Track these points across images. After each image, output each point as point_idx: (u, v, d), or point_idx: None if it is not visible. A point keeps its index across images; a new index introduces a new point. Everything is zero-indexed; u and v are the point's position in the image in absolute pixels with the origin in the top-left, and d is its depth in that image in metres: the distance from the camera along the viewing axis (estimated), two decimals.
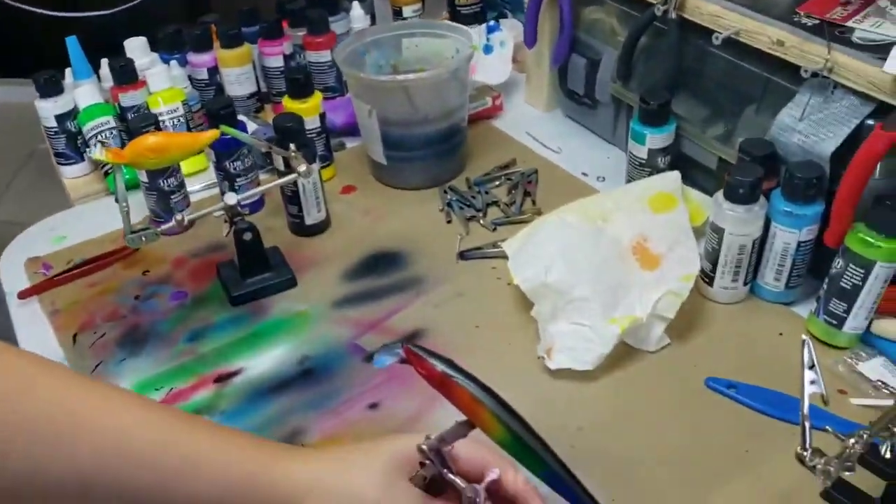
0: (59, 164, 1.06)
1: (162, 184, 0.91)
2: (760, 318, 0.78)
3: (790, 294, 0.78)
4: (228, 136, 0.85)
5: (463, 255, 0.89)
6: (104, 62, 1.08)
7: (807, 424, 0.61)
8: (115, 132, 1.01)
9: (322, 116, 0.99)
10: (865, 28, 0.73)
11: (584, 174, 1.01)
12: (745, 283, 0.79)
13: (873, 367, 0.71)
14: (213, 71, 1.11)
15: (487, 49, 1.16)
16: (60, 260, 0.91)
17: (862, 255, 0.68)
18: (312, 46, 1.13)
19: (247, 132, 0.96)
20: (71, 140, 1.04)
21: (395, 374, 0.74)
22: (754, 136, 0.79)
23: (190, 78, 1.11)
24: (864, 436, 0.57)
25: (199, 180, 1.03)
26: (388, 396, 0.73)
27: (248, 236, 0.83)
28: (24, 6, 1.34)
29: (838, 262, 0.71)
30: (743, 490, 0.63)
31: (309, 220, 0.92)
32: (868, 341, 0.74)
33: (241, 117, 1.00)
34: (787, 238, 0.74)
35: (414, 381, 0.72)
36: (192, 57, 1.11)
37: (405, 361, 0.50)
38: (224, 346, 0.79)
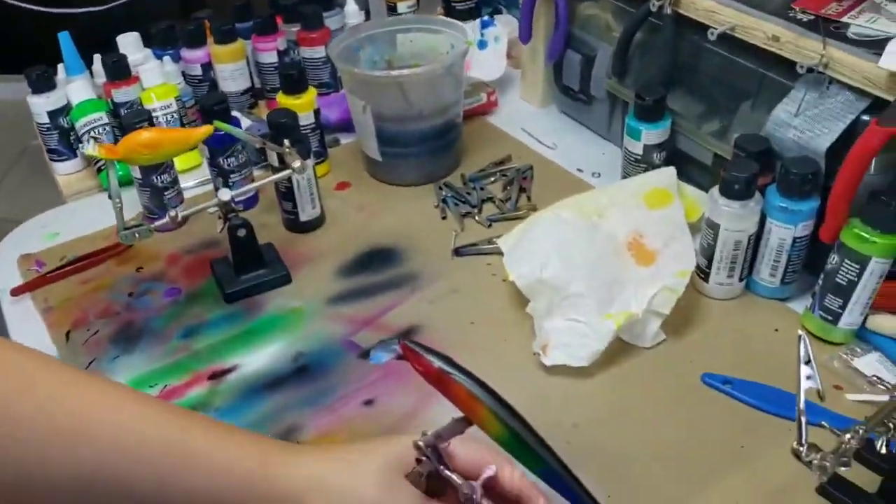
0: (51, 160, 1.06)
1: (155, 180, 0.91)
2: (756, 313, 0.78)
3: (786, 290, 0.78)
4: (222, 132, 0.85)
5: (458, 252, 0.88)
6: (97, 58, 1.07)
7: (803, 420, 0.61)
8: (108, 128, 1.00)
9: (316, 112, 0.98)
10: (861, 23, 0.73)
11: (580, 170, 1.01)
12: (741, 279, 0.79)
13: (868, 363, 0.72)
14: (207, 67, 1.11)
15: (482, 44, 1.16)
16: (53, 257, 0.91)
17: (857, 251, 0.68)
18: (306, 42, 1.12)
19: (241, 128, 0.95)
20: (63, 136, 1.04)
21: (390, 371, 0.74)
22: (750, 131, 0.79)
23: (183, 74, 1.10)
24: (860, 431, 0.57)
25: (193, 177, 1.03)
26: (384, 393, 0.72)
27: (242, 233, 0.83)
28: (16, 2, 1.33)
29: (833, 258, 0.71)
30: (739, 486, 0.63)
31: (303, 217, 0.92)
32: (863, 337, 0.74)
33: (234, 113, 0.99)
34: (782, 234, 0.74)
35: (409, 377, 0.71)
36: (186, 53, 1.10)
37: (402, 358, 0.50)
38: (218, 342, 0.79)
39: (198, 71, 1.10)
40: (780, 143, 0.76)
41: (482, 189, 0.98)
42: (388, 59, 1.03)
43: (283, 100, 0.96)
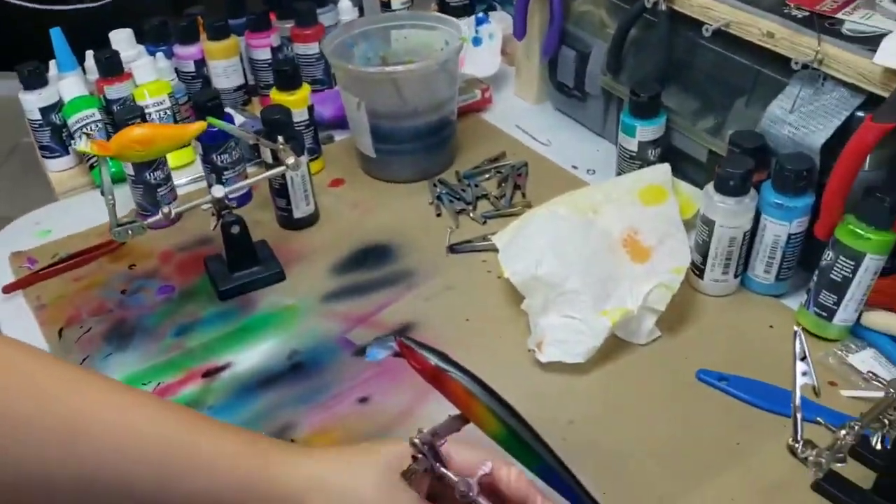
0: (43, 157, 1.05)
1: (148, 177, 0.90)
2: (751, 310, 0.78)
3: (780, 286, 0.79)
4: (215, 129, 0.84)
5: (453, 249, 0.88)
6: (89, 54, 1.06)
7: (798, 416, 0.61)
8: (100, 125, 1.00)
9: (310, 109, 0.98)
10: (855, 20, 0.73)
11: (574, 167, 1.01)
12: (736, 276, 0.79)
13: (863, 359, 0.72)
14: (200, 63, 1.10)
15: (476, 41, 1.16)
16: (46, 254, 0.90)
17: (852, 247, 0.68)
18: (300, 38, 1.12)
19: (234, 125, 0.95)
20: (56, 133, 1.03)
21: (385, 369, 0.74)
22: (745, 128, 0.79)
23: (176, 70, 1.10)
24: (856, 427, 0.57)
25: (186, 173, 1.02)
26: (379, 391, 0.72)
27: (235, 230, 0.83)
28: None
29: (828, 254, 0.71)
30: (734, 482, 0.63)
31: (297, 214, 0.91)
32: (858, 333, 0.74)
33: (228, 110, 0.99)
34: (777, 230, 0.74)
35: (404, 375, 0.71)
36: (179, 49, 1.09)
37: (398, 355, 0.50)
38: (212, 340, 0.79)
39: (191, 67, 1.10)
40: (775, 140, 0.76)
41: (477, 186, 0.97)
42: (383, 55, 1.03)
43: (276, 96, 0.96)
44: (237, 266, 0.84)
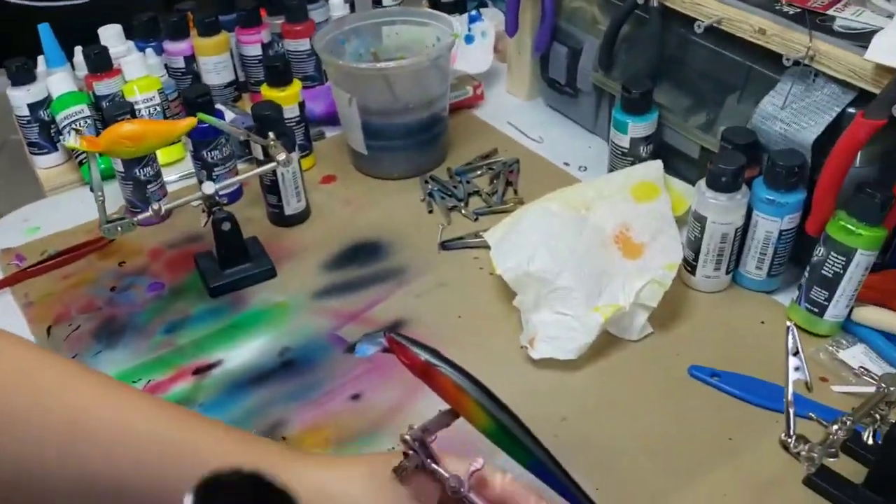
0: (31, 154, 1.04)
1: (138, 173, 0.90)
2: (742, 306, 0.78)
3: (772, 282, 0.79)
4: (206, 125, 0.84)
5: (445, 245, 0.88)
6: (78, 50, 1.06)
7: (791, 411, 0.61)
8: (89, 121, 0.99)
9: (301, 105, 0.97)
10: (846, 16, 0.73)
11: (566, 164, 1.01)
12: (728, 272, 0.79)
13: (854, 355, 0.72)
14: (190, 59, 1.09)
15: (469, 39, 1.15)
16: (34, 251, 0.89)
17: (843, 243, 0.68)
18: (291, 34, 1.11)
19: (224, 121, 0.94)
20: (44, 129, 1.02)
21: (376, 365, 0.74)
22: (736, 124, 0.79)
23: (166, 66, 1.09)
24: (847, 422, 0.57)
25: (176, 170, 1.01)
26: (370, 387, 0.72)
27: (226, 226, 0.82)
28: None
29: (819, 250, 0.71)
30: (726, 478, 0.63)
31: (288, 210, 0.91)
32: (849, 329, 0.74)
33: (218, 106, 0.98)
34: (768, 226, 0.74)
35: (395, 371, 0.71)
36: (169, 45, 1.09)
37: (388, 350, 0.49)
38: (202, 337, 0.78)
39: (181, 63, 1.09)
40: (767, 136, 0.76)
41: (468, 182, 0.97)
42: (374, 51, 1.03)
43: (267, 92, 0.95)
44: (228, 263, 0.84)
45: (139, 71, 1.00)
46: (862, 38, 0.69)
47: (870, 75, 0.67)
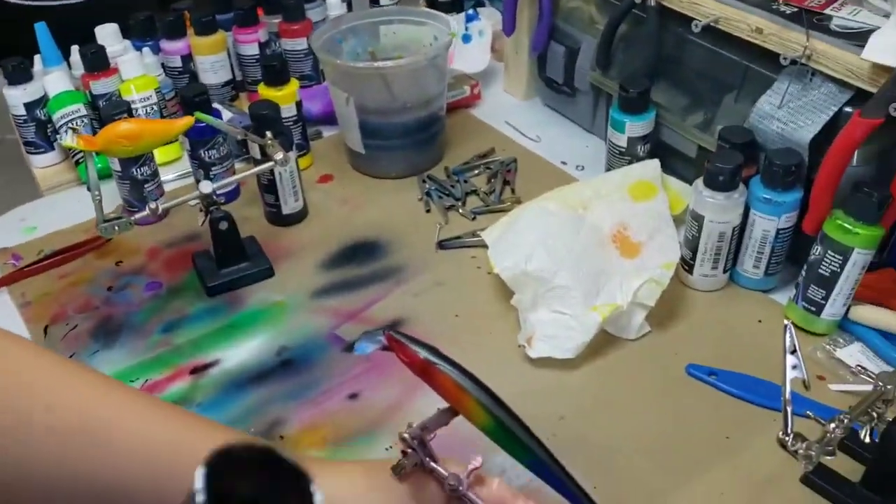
0: (28, 153, 1.04)
1: (135, 172, 0.89)
2: (740, 305, 0.78)
3: (769, 281, 0.79)
4: (203, 124, 0.84)
5: (442, 245, 0.88)
6: (74, 49, 1.05)
7: (789, 409, 0.61)
8: (86, 120, 0.99)
9: (298, 104, 0.97)
10: (843, 16, 0.73)
11: (564, 163, 1.01)
12: (725, 271, 0.79)
13: (851, 353, 0.72)
14: (187, 59, 1.09)
15: (466, 38, 1.15)
16: (31, 250, 0.89)
17: (840, 242, 0.68)
18: (288, 34, 1.11)
19: (222, 120, 0.94)
20: (41, 129, 1.02)
21: (374, 364, 0.74)
22: (733, 123, 0.79)
23: (163, 65, 1.09)
24: (845, 420, 0.58)
25: (173, 169, 1.01)
26: (368, 386, 0.72)
27: (224, 226, 0.82)
28: None
29: (817, 249, 0.71)
30: (724, 477, 0.63)
31: (286, 210, 0.91)
32: (846, 328, 0.74)
33: (215, 105, 0.98)
34: (766, 225, 0.74)
35: (394, 370, 0.71)
36: (165, 44, 1.09)
37: (387, 348, 0.49)
38: (200, 337, 0.78)
39: (178, 63, 1.09)
40: (764, 135, 0.76)
41: (466, 182, 0.97)
42: (371, 50, 1.03)
43: (264, 92, 0.95)
44: (225, 262, 0.84)
45: (136, 70, 1.00)
46: (859, 38, 0.69)
47: (867, 74, 0.67)
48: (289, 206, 0.91)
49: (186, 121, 0.80)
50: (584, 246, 0.76)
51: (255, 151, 0.86)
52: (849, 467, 0.62)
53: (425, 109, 0.97)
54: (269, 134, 0.83)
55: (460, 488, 0.49)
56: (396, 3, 1.22)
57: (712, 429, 0.67)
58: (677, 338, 0.75)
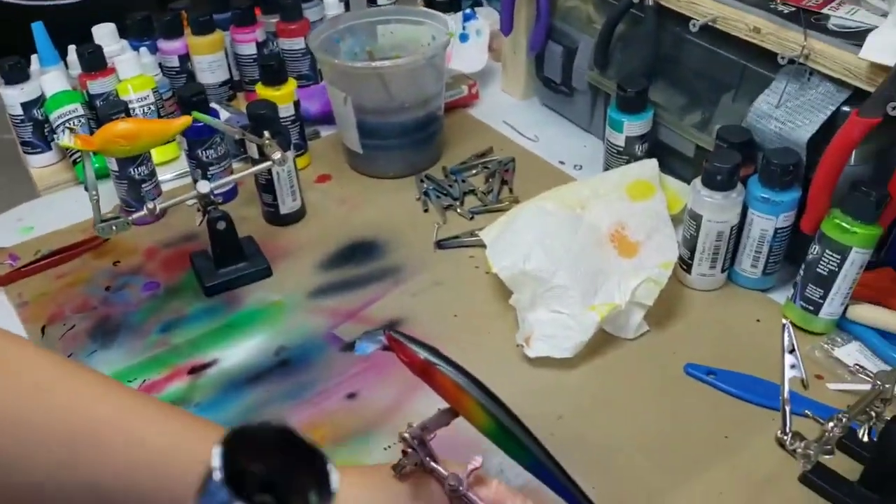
0: (25, 153, 1.04)
1: (132, 172, 0.89)
2: (738, 304, 0.78)
3: (767, 280, 0.79)
4: (201, 124, 0.84)
5: (440, 244, 0.88)
6: (71, 48, 1.05)
7: (787, 408, 0.61)
8: (83, 120, 0.98)
9: (296, 104, 0.97)
10: (841, 15, 0.73)
11: (562, 162, 1.01)
12: (723, 270, 0.79)
13: (849, 352, 0.72)
14: (184, 58, 1.09)
15: (463, 38, 1.15)
16: (28, 250, 0.89)
17: (838, 241, 0.69)
18: (286, 33, 1.11)
19: (219, 120, 0.94)
20: (38, 128, 1.02)
21: (372, 364, 0.74)
22: (731, 123, 0.79)
23: (160, 65, 1.08)
24: (843, 419, 0.58)
25: (171, 169, 1.01)
26: (366, 386, 0.72)
27: (221, 225, 0.82)
28: None
29: (815, 248, 0.71)
30: (722, 476, 0.63)
31: (284, 209, 0.91)
32: (844, 327, 0.74)
33: (213, 105, 0.98)
34: (764, 225, 0.74)
35: (392, 370, 0.71)
36: (163, 44, 1.08)
37: (387, 348, 0.49)
38: (198, 337, 0.78)
39: (175, 62, 1.09)
40: (762, 135, 0.76)
41: (464, 181, 0.97)
42: (369, 50, 1.03)
43: (262, 91, 0.95)
44: (223, 262, 0.83)
45: (133, 70, 1.00)
46: (856, 37, 0.69)
47: (864, 74, 0.68)
48: (287, 205, 0.91)
49: (184, 120, 0.80)
50: (582, 245, 0.76)
51: (253, 151, 0.86)
52: (847, 466, 0.62)
53: (423, 109, 0.97)
54: (266, 133, 0.83)
55: (460, 488, 0.49)
56: (394, 3, 1.22)
57: (711, 428, 0.67)
58: (676, 337, 0.75)
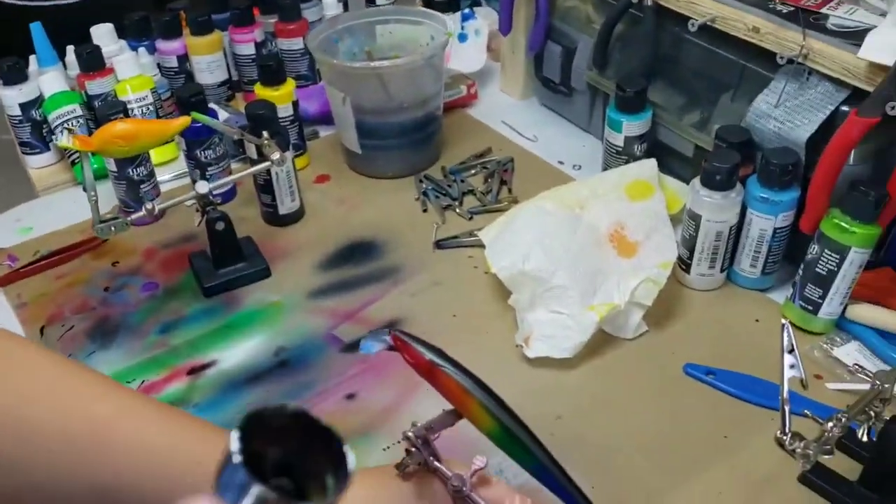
0: (23, 153, 1.04)
1: (131, 173, 0.89)
2: (737, 304, 0.79)
3: (766, 280, 0.79)
4: (199, 124, 0.84)
5: (439, 245, 0.88)
6: (70, 49, 1.05)
7: (786, 408, 0.61)
8: (81, 120, 0.98)
9: (295, 104, 0.97)
10: (840, 15, 0.73)
11: (561, 162, 1.01)
12: (722, 270, 0.79)
13: (848, 352, 0.72)
14: (183, 58, 1.09)
15: (462, 37, 1.15)
16: (27, 251, 0.89)
17: (837, 241, 0.69)
18: (284, 34, 1.11)
19: (218, 120, 0.94)
20: (36, 129, 1.01)
21: (371, 365, 0.74)
22: (730, 123, 0.79)
23: (159, 66, 1.08)
24: (843, 419, 0.58)
25: (170, 170, 1.01)
26: (365, 387, 0.72)
27: (220, 226, 0.82)
28: None
29: (814, 248, 0.71)
30: (722, 476, 0.63)
31: (282, 210, 0.91)
32: (843, 326, 0.74)
33: (212, 105, 0.98)
34: (763, 224, 0.74)
35: (391, 371, 0.71)
36: (161, 44, 1.08)
37: (392, 348, 0.49)
38: (197, 337, 0.78)
39: (173, 63, 1.09)
40: (761, 134, 0.76)
41: (463, 181, 0.97)
42: (368, 50, 1.03)
43: (261, 91, 0.95)
44: (222, 263, 0.83)
45: (132, 70, 1.00)
46: (855, 37, 0.69)
47: (863, 73, 0.68)
48: (285, 206, 0.91)
49: (183, 121, 0.80)
50: (581, 245, 0.76)
51: (252, 151, 0.86)
52: (846, 466, 0.62)
53: (422, 109, 0.97)
54: (265, 134, 0.83)
55: (464, 489, 0.49)
56: (393, 3, 1.22)
57: (710, 428, 0.67)
58: (675, 337, 0.75)
